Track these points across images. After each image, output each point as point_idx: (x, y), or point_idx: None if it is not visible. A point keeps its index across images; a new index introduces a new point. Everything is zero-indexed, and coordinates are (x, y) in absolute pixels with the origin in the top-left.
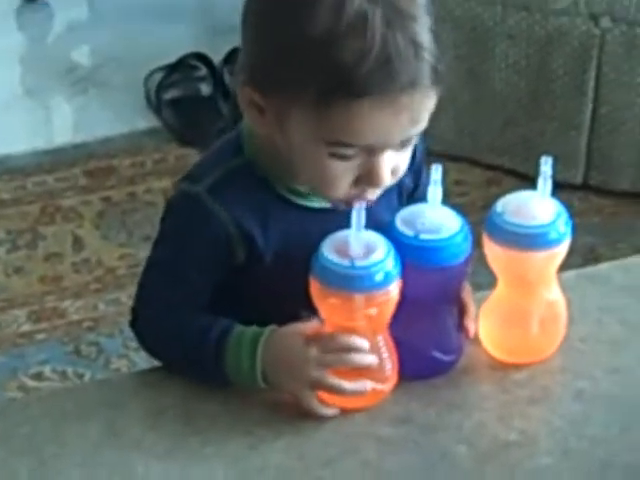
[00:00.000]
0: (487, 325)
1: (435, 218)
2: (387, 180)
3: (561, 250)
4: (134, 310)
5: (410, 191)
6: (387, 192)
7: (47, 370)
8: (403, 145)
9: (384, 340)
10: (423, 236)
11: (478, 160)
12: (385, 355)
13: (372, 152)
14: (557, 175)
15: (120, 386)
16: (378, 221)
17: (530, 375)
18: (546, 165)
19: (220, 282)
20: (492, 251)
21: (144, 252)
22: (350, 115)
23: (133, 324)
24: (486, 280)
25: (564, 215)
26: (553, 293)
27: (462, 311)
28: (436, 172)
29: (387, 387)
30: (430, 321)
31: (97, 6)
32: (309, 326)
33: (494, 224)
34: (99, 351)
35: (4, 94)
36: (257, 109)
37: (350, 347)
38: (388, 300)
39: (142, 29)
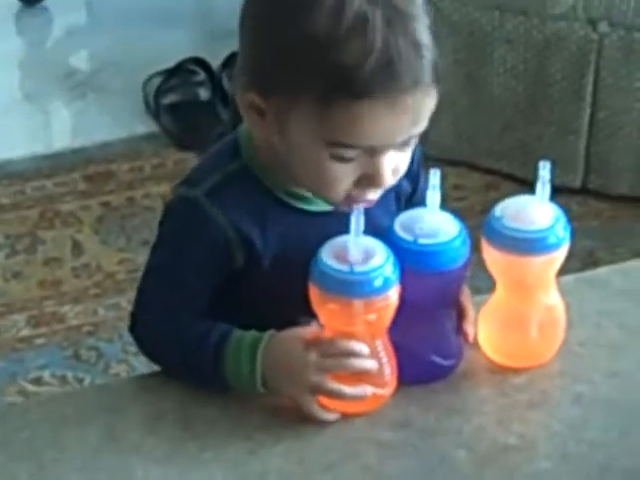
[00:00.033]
0: (486, 329)
1: (433, 223)
2: (389, 180)
3: (560, 254)
4: (133, 315)
5: (408, 196)
6: (385, 197)
7: (46, 375)
8: (404, 145)
9: (383, 345)
10: (422, 241)
11: (476, 165)
12: (384, 360)
13: (373, 153)
14: (555, 179)
15: (119, 391)
16: (376, 226)
17: (529, 379)
18: (544, 170)
19: (219, 286)
20: (491, 255)
21: (143, 257)
22: (351, 116)
23: (132, 329)
24: (485, 284)
25: (563, 219)
26: (552, 297)
27: (461, 315)
28: (434, 177)
29: (387, 392)
30: (429, 325)
31: (96, 11)
32: (308, 331)
33: (493, 229)
34: (98, 356)
35: (3, 99)
36: (257, 112)
37: (349, 352)
38: (387, 305)
39: (141, 34)
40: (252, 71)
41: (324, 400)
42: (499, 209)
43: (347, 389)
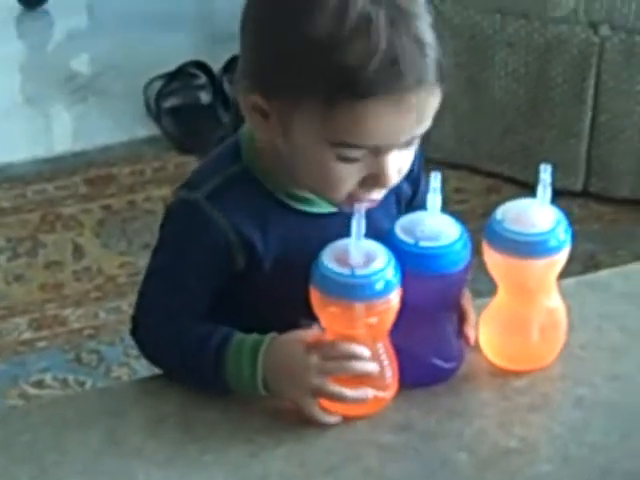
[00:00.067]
0: (487, 332)
1: (434, 226)
2: (394, 180)
3: (561, 257)
4: (134, 318)
5: (409, 199)
6: (386, 200)
7: (48, 378)
8: (407, 144)
9: (384, 348)
10: (423, 243)
11: (478, 168)
12: (386, 363)
13: (378, 152)
14: (557, 182)
15: (121, 394)
16: (377, 229)
17: (530, 382)
18: (545, 173)
19: (219, 289)
20: (492, 259)
21: (144, 260)
22: (356, 116)
23: (134, 332)
24: (486, 287)
25: (564, 223)
26: (553, 300)
27: (462, 318)
28: (435, 180)
29: (388, 395)
30: (430, 328)
31: (97, 14)
32: (310, 334)
33: (494, 232)
34: (100, 359)
35: (4, 102)
36: (261, 114)
37: (351, 355)
38: (388, 309)
39: (142, 37)
40: (255, 73)
41: (325, 403)
42: (500, 212)
43: (348, 392)
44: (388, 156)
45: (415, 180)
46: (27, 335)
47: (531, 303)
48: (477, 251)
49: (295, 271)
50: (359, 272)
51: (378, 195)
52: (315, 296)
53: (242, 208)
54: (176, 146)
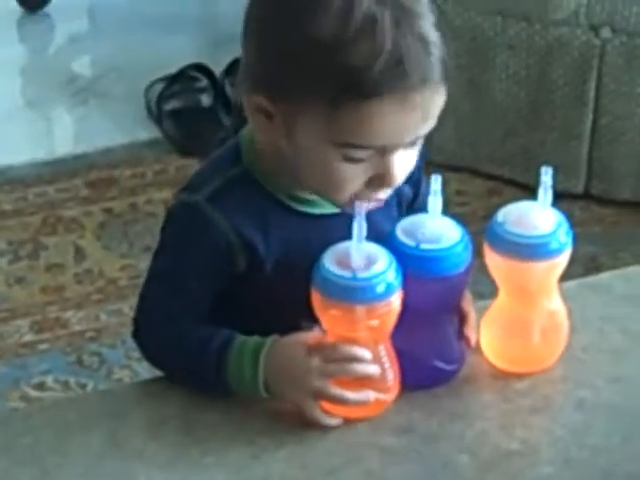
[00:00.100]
0: (488, 335)
1: (435, 228)
2: (400, 179)
3: (562, 260)
4: (136, 321)
5: (409, 201)
6: (386, 202)
7: (49, 380)
8: (412, 143)
9: (386, 350)
10: (424, 246)
11: (479, 170)
12: (387, 365)
13: (384, 152)
14: (558, 185)
15: (122, 396)
16: (378, 232)
17: (532, 384)
18: (546, 175)
19: (221, 290)
20: (493, 261)
21: (145, 263)
22: (361, 116)
23: (135, 334)
24: (488, 289)
25: (565, 225)
26: (554, 303)
27: (462, 320)
28: (436, 182)
29: (389, 397)
30: (431, 331)
31: (98, 17)
32: (311, 336)
33: (495, 234)
34: (101, 361)
35: (5, 105)
36: (265, 116)
37: (352, 357)
38: (390, 311)
39: (143, 40)
40: (258, 75)
41: (327, 405)
42: (501, 214)
43: (350, 394)
44: (393, 156)
45: (416, 183)
46: (28, 337)
47: (532, 305)
48: (478, 253)
49: (296, 273)
50: (360, 275)
51: (384, 195)
52: (316, 299)
53: (243, 210)
54: (177, 149)
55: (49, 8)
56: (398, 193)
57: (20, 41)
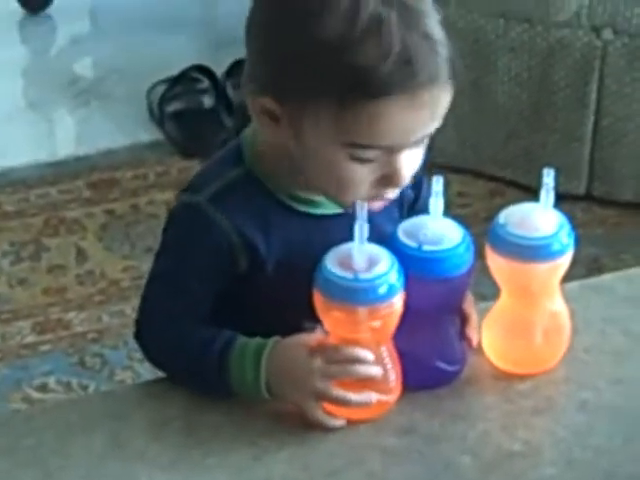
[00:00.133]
0: (491, 336)
1: (437, 229)
2: (407, 179)
3: (564, 261)
4: (138, 322)
5: (411, 203)
6: (388, 204)
7: (51, 381)
8: (419, 142)
9: (388, 351)
10: (426, 247)
11: (481, 172)
12: (389, 366)
13: (391, 152)
14: (560, 186)
15: (124, 397)
16: (380, 233)
17: (534, 385)
18: (548, 177)
19: (222, 291)
20: (495, 262)
21: (147, 264)
22: (370, 116)
23: (137, 336)
24: (490, 291)
25: (567, 226)
26: (556, 304)
27: (464, 321)
28: (437, 184)
29: (391, 398)
30: (433, 332)
31: (99, 19)
32: (313, 337)
33: (497, 235)
34: (103, 363)
35: (7, 106)
36: (270, 118)
37: (354, 358)
38: (392, 312)
39: (144, 41)
40: (264, 76)
41: (329, 407)
42: (503, 216)
43: (352, 396)
44: (401, 155)
45: (417, 184)
46: (30, 339)
47: (534, 307)
48: (480, 255)
49: (298, 273)
50: (362, 276)
51: (392, 194)
52: (318, 300)
53: (244, 210)
54: (179, 150)
55: (51, 9)
56: (400, 195)
57: (22, 42)
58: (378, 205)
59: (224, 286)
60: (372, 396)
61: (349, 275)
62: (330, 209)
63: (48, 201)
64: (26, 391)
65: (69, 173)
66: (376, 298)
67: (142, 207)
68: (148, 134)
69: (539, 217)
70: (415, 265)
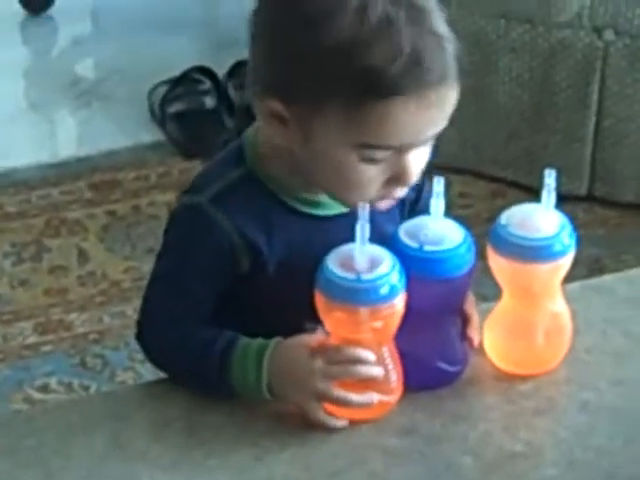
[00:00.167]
0: (492, 336)
1: (438, 230)
2: (416, 178)
3: (566, 262)
4: (139, 323)
5: (412, 203)
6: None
7: (53, 382)
8: (426, 141)
9: (389, 352)
10: (427, 248)
11: (482, 173)
12: (390, 366)
13: (401, 151)
14: (561, 187)
15: (125, 398)
16: (382, 234)
17: (535, 386)
18: (550, 177)
19: (224, 292)
20: (497, 263)
21: (148, 265)
22: (381, 117)
23: (139, 337)
24: (491, 292)
25: (568, 227)
26: (558, 305)
27: (465, 321)
28: (438, 184)
29: (393, 399)
30: (434, 332)
31: (101, 20)
32: (314, 338)
33: (499, 236)
34: (104, 363)
35: (8, 108)
36: (278, 120)
37: (356, 359)
38: (393, 313)
39: (146, 42)
40: (271, 79)
41: (330, 407)
42: (505, 217)
43: (353, 397)
44: (410, 155)
45: (418, 185)
46: (32, 339)
47: (536, 307)
48: (482, 255)
49: (299, 274)
50: (364, 277)
51: (400, 194)
52: (320, 301)
53: (246, 211)
54: (181, 151)
55: (52, 10)
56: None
57: (23, 43)
58: (386, 205)
59: (225, 287)
60: (373, 397)
61: (351, 276)
62: (332, 210)
63: (49, 202)
64: (27, 392)
65: (70, 174)
66: (377, 299)
67: (143, 208)
68: (149, 135)
69: (540, 218)
70: (416, 266)
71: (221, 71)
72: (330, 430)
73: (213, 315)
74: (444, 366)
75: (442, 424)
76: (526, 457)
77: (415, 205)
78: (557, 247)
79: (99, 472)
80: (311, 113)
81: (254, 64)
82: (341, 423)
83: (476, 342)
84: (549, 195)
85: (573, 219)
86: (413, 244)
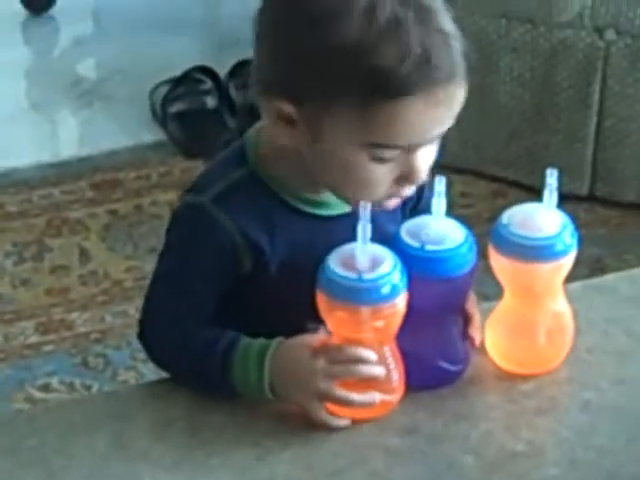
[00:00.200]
0: (494, 336)
1: (440, 229)
2: (425, 176)
3: (567, 262)
4: (141, 322)
5: (413, 203)
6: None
7: (54, 382)
8: (434, 140)
9: (391, 351)
10: (429, 247)
11: (483, 172)
12: (392, 366)
13: (410, 150)
14: (563, 187)
15: (127, 398)
16: (383, 233)
17: (537, 386)
18: (551, 177)
19: (226, 292)
20: (498, 263)
21: (150, 264)
22: (390, 117)
23: (141, 336)
24: (493, 291)
25: (570, 227)
26: (559, 304)
27: (467, 321)
28: (439, 184)
29: (394, 398)
30: (436, 331)
31: (102, 19)
32: (316, 338)
33: (500, 236)
34: (106, 363)
35: (10, 107)
36: (286, 121)
37: (357, 358)
38: (395, 312)
39: (147, 42)
40: (278, 79)
41: (332, 407)
42: (506, 216)
43: (355, 396)
44: (420, 153)
45: (420, 185)
46: (33, 339)
47: (537, 307)
48: (483, 255)
49: (301, 274)
50: (366, 276)
51: (408, 192)
52: (321, 300)
53: (248, 211)
54: (182, 151)
55: (54, 10)
56: None
57: (25, 43)
58: (393, 204)
59: (228, 286)
60: (375, 396)
61: (352, 275)
62: (334, 210)
63: (51, 202)
64: (29, 391)
65: (72, 174)
66: (379, 298)
67: (145, 207)
68: (151, 135)
69: (542, 217)
70: (418, 265)
71: (222, 71)
72: (331, 430)
73: (215, 315)
74: (445, 365)
75: (443, 423)
76: (528, 456)
77: (417, 205)
78: (559, 247)
79: (101, 472)
80: (320, 113)
81: (259, 64)
82: (344, 422)
83: (477, 341)
84: (551, 195)
85: (574, 219)
86: (415, 244)
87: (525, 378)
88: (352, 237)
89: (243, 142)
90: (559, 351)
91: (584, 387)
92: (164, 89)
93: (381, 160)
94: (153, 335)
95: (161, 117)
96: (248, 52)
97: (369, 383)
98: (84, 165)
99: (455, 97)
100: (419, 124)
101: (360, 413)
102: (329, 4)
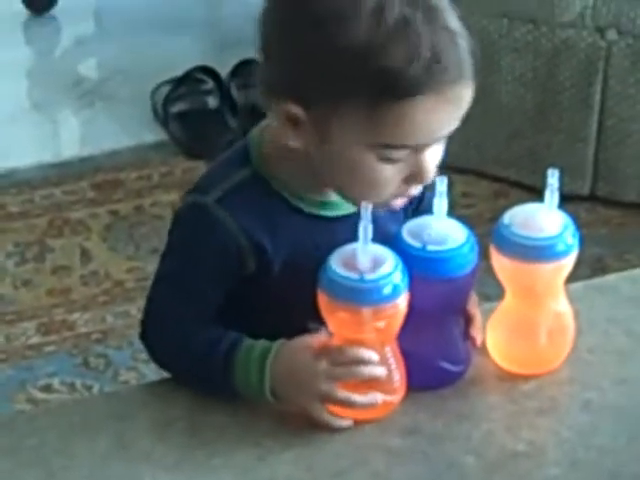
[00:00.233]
0: (495, 336)
1: (441, 229)
2: (432, 175)
3: (568, 262)
4: (143, 323)
5: (415, 204)
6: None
7: (56, 382)
8: (442, 139)
9: (392, 352)
10: (430, 247)
11: (484, 172)
12: (393, 366)
13: (418, 150)
14: (564, 187)
15: (128, 398)
16: (384, 233)
17: (538, 386)
18: (553, 177)
19: (229, 292)
20: (500, 263)
21: (152, 265)
22: (398, 117)
23: (143, 336)
24: (494, 291)
25: (571, 227)
26: (561, 304)
27: (468, 321)
28: (441, 184)
29: (396, 398)
30: (437, 332)
31: (104, 20)
32: (317, 339)
33: (501, 236)
34: (107, 363)
35: (11, 107)
36: (293, 122)
37: (359, 359)
38: (396, 313)
39: (149, 42)
40: (286, 81)
41: (333, 408)
42: (508, 216)
43: (357, 397)
44: (428, 153)
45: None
46: (35, 340)
47: (539, 307)
48: (485, 255)
49: (303, 274)
50: (367, 277)
51: (416, 191)
52: (323, 300)
53: (251, 211)
54: (183, 151)
55: (55, 10)
56: None
57: (26, 43)
58: (400, 203)
59: (231, 287)
60: (377, 397)
61: (354, 275)
62: (337, 211)
63: (52, 202)
64: (30, 392)
65: (73, 174)
66: (381, 298)
67: (146, 208)
68: (152, 135)
69: (543, 217)
70: (419, 265)
71: (224, 71)
72: (333, 430)
73: (218, 315)
74: (447, 366)
75: (445, 424)
76: (529, 457)
77: (418, 205)
78: (560, 247)
79: (102, 472)
80: (328, 115)
81: (266, 66)
82: (346, 423)
83: (479, 342)
84: (552, 195)
85: (576, 219)
86: (416, 244)
87: (526, 378)
88: (354, 237)
89: (246, 142)
90: (560, 351)
91: (585, 387)
92: (165, 89)
93: (389, 160)
94: (155, 335)
95: (162, 117)
96: (250, 52)
97: (371, 384)
98: (85, 165)
99: (463, 97)
100: (427, 124)
101: (362, 414)
102: (336, 5)
